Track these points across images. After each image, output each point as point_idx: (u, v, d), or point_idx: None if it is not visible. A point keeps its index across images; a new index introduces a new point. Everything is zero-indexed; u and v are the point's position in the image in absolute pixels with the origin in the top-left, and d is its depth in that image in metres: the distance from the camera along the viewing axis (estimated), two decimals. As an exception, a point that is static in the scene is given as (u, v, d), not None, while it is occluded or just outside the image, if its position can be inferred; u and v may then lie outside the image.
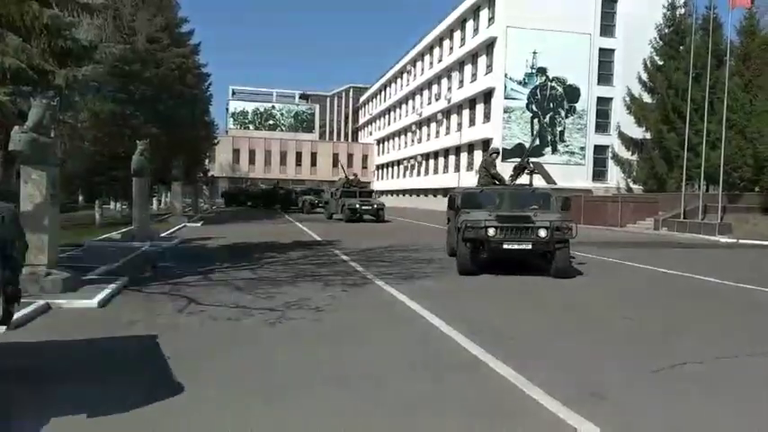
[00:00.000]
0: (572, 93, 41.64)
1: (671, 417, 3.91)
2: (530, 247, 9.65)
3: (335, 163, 74.13)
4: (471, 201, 11.21)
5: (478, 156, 43.34)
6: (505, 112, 40.79)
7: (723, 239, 21.31)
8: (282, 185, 48.37)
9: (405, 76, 63.89)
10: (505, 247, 9.66)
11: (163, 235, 17.11)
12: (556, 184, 12.79)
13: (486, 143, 42.03)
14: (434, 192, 49.62)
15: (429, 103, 55.23)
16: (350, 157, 74.97)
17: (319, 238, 17.83)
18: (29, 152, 7.38)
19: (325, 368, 4.77)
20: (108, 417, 3.71)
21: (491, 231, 9.62)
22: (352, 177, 31.43)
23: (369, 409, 3.94)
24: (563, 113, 41.82)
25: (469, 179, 44.20)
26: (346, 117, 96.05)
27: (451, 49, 49.83)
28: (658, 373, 4.79)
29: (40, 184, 7.52)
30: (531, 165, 12.83)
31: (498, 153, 13.13)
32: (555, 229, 9.54)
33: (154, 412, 3.79)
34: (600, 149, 41.39)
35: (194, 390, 4.21)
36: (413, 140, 60.56)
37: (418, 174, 57.44)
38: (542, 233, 9.53)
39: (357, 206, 27.00)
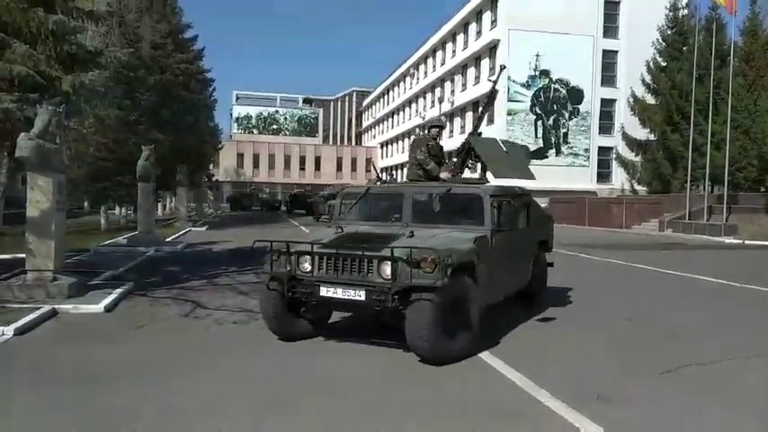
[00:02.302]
0: (575, 94, 41.62)
1: (675, 418, 3.91)
2: (362, 296, 5.11)
3: (340, 167, 74.35)
4: (352, 208, 6.87)
5: (482, 158, 43.28)
6: (509, 114, 40.80)
7: (729, 240, 21.23)
8: (308, 191, 45.42)
9: (408, 79, 63.94)
10: (324, 293, 5.29)
11: (168, 239, 17.17)
12: (533, 178, 7.64)
13: (489, 146, 41.99)
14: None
15: (432, 107, 55.25)
16: (353, 160, 75.11)
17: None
18: (35, 158, 7.44)
19: (332, 371, 4.79)
20: (114, 419, 3.74)
21: (305, 264, 5.45)
22: (386, 178, 27.96)
23: (373, 411, 3.96)
24: (567, 115, 41.79)
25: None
26: (350, 121, 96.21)
27: (454, 52, 49.88)
28: (664, 375, 4.79)
29: (46, 189, 7.57)
30: (476, 146, 7.31)
31: (440, 128, 7.55)
32: (413, 265, 4.91)
33: (158, 416, 3.81)
34: (604, 151, 41.32)
35: (200, 393, 4.23)
36: (416, 144, 60.47)
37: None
38: (386, 271, 5.04)
39: None
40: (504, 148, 7.45)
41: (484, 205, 5.99)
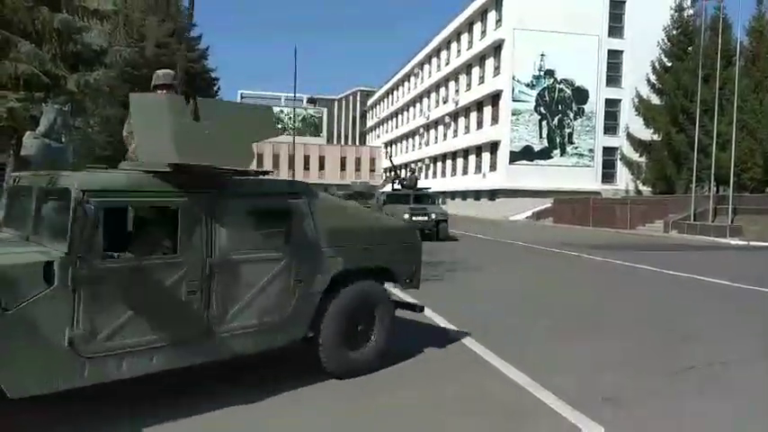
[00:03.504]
0: (580, 94, 41.55)
1: (679, 420, 3.90)
2: None
3: (344, 166, 74.33)
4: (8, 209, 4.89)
5: (486, 158, 43.34)
6: (513, 114, 40.76)
7: (734, 242, 21.15)
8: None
9: (412, 79, 63.99)
10: None
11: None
12: (244, 167, 4.11)
13: (494, 145, 42.01)
14: (443, 195, 49.59)
15: (437, 106, 55.26)
16: (357, 160, 75.07)
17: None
18: (40, 157, 7.45)
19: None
20: (115, 417, 3.75)
21: None
22: (406, 174, 22.81)
23: (377, 409, 3.98)
24: (571, 115, 41.73)
25: (476, 182, 44.21)
26: (354, 120, 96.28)
27: (459, 51, 49.86)
28: (670, 376, 4.78)
29: (51, 188, 7.59)
30: (133, 107, 4.07)
31: (168, 87, 4.58)
32: None
33: (159, 413, 3.82)
34: (608, 151, 41.25)
35: (205, 393, 4.23)
36: (420, 144, 60.61)
37: (426, 177, 57.49)
38: None
39: (406, 217, 18.65)
40: (193, 115, 3.71)
41: (70, 210, 3.37)
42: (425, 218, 19.14)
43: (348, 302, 4.50)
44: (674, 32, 31.72)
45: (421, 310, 5.38)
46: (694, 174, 25.55)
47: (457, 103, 48.93)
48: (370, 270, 4.74)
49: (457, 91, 49.85)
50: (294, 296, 4.20)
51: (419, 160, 59.06)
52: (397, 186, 22.15)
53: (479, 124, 45.24)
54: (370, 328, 4.70)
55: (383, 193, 22.34)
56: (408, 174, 23.66)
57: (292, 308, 4.19)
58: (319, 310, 4.33)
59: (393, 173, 23.80)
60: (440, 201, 23.63)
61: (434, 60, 56.53)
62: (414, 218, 18.85)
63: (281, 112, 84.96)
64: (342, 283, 4.47)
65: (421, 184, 22.54)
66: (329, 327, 4.38)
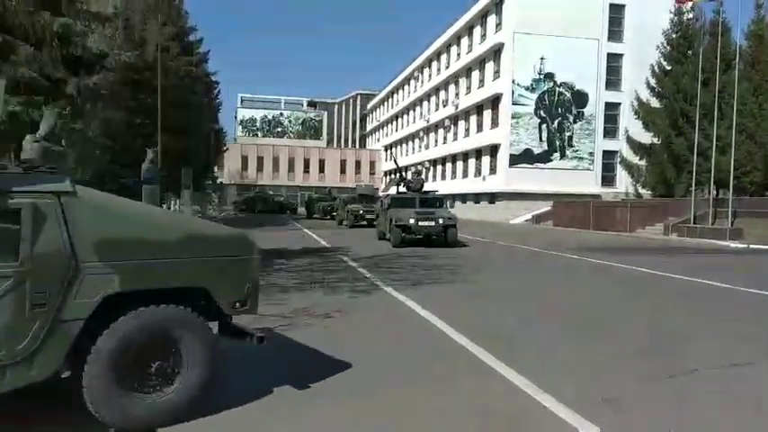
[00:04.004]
0: (580, 98, 41.59)
1: (678, 423, 3.90)
2: None
3: (344, 169, 74.31)
4: None
5: (486, 161, 43.38)
6: (513, 117, 40.79)
7: (734, 245, 21.14)
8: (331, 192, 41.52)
9: (412, 82, 64.08)
10: None
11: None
12: None
13: (493, 149, 42.05)
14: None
15: (437, 110, 55.33)
16: (357, 163, 75.22)
17: (328, 245, 17.90)
18: (40, 161, 7.47)
19: (335, 373, 4.80)
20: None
21: None
22: (412, 177, 21.90)
23: (378, 412, 3.98)
24: (571, 119, 41.77)
25: (476, 185, 44.24)
26: (354, 124, 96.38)
27: (459, 55, 49.93)
28: (670, 378, 4.78)
29: (51, 191, 7.60)
30: None
31: None
32: None
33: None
34: (608, 155, 41.28)
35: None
36: (420, 147, 60.65)
37: (426, 180, 57.46)
38: None
39: (412, 222, 17.52)
40: None
41: None
42: (432, 222, 17.74)
43: (130, 333, 3.43)
44: (674, 36, 31.75)
45: (260, 341, 4.05)
46: (694, 177, 25.56)
47: (457, 107, 48.99)
48: (172, 291, 3.68)
49: (457, 94, 49.92)
50: (33, 325, 3.19)
51: (419, 163, 59.09)
52: (402, 189, 21.22)
53: (479, 127, 45.28)
54: (174, 365, 3.64)
55: (387, 196, 21.35)
56: (414, 176, 22.19)
57: (30, 340, 3.17)
58: (81, 343, 3.33)
59: (398, 175, 22.96)
60: (447, 204, 22.63)
61: (434, 64, 56.62)
62: (420, 223, 17.61)
63: (281, 115, 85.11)
64: (121, 309, 3.45)
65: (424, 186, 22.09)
66: (97, 364, 3.33)
